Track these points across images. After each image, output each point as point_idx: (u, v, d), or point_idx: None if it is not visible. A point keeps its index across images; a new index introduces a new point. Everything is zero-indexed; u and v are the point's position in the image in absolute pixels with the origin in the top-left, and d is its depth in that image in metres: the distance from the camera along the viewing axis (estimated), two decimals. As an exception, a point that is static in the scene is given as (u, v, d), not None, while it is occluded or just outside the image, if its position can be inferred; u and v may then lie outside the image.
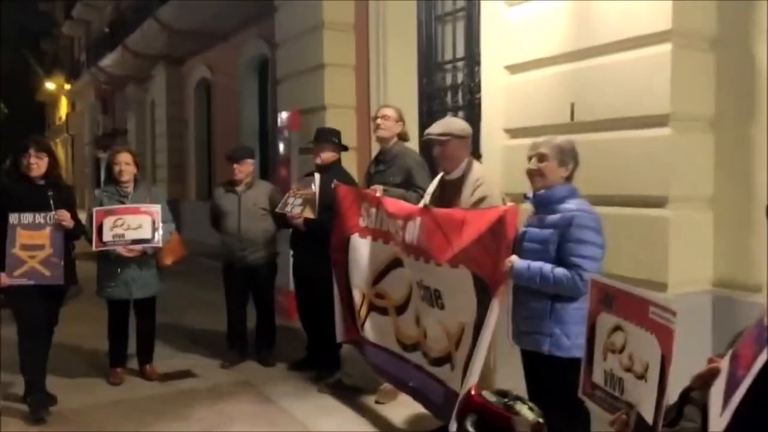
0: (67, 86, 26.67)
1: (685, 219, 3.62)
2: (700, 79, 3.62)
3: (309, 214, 4.80)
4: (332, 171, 5.00)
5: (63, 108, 29.99)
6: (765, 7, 3.41)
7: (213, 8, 10.28)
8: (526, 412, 1.70)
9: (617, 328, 1.68)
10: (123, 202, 4.87)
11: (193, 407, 4.52)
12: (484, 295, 3.16)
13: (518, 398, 1.73)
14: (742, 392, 0.95)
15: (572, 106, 4.05)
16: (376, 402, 4.52)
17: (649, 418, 1.51)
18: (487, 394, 1.73)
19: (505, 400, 1.72)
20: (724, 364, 1.12)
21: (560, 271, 2.76)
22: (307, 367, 5.17)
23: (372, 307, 4.24)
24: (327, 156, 5.05)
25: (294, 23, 7.11)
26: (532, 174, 2.95)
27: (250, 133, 11.48)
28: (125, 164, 4.89)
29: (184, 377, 5.15)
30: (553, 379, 2.80)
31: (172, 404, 4.58)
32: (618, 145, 3.76)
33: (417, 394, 3.77)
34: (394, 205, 3.88)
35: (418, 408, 4.25)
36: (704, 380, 1.15)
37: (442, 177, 3.82)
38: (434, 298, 3.52)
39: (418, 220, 3.60)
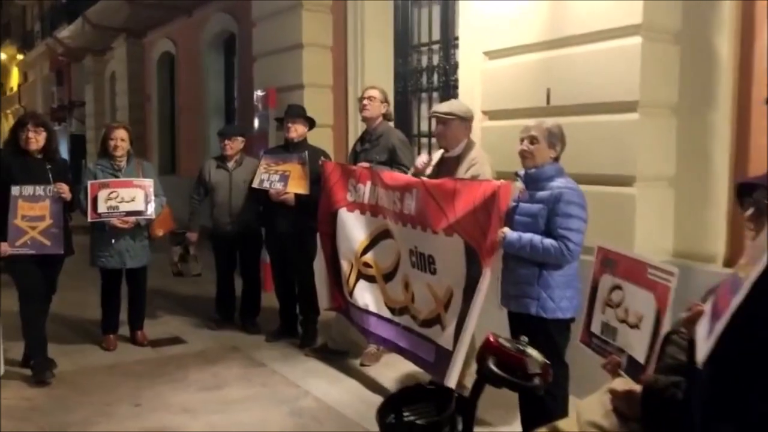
0: (19, 57, 25.94)
1: (649, 196, 4.01)
2: (665, 70, 3.99)
3: (300, 189, 5.04)
4: (304, 146, 5.26)
5: (14, 79, 29.19)
6: (724, 5, 3.79)
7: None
8: (536, 355, 2.02)
9: (616, 287, 2.02)
10: (116, 176, 5.04)
11: (187, 370, 4.76)
12: (473, 262, 3.49)
13: (528, 344, 2.05)
14: (722, 326, 1.25)
15: (548, 91, 4.38)
16: (361, 365, 4.85)
17: (640, 359, 1.86)
18: (502, 340, 2.05)
19: (517, 345, 2.04)
20: (707, 308, 1.44)
21: (549, 241, 3.10)
22: (283, 336, 5.46)
23: (360, 276, 4.53)
24: (302, 131, 5.31)
25: (272, 2, 7.25)
26: (524, 154, 3.27)
27: (216, 109, 11.52)
28: (120, 140, 5.07)
29: (173, 343, 5.38)
30: (539, 338, 3.15)
31: (166, 367, 4.82)
32: (590, 129, 4.10)
33: (408, 354, 4.08)
34: (392, 177, 4.17)
35: (400, 369, 4.61)
36: (691, 320, 1.46)
37: (443, 154, 4.12)
38: (427, 264, 3.84)
39: (415, 191, 3.91)
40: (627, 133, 3.98)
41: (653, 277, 1.84)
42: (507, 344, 2.03)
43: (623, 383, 1.92)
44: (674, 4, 3.96)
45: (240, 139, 5.71)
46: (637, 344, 1.89)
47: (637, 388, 1.78)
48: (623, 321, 1.97)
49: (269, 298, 5.95)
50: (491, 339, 2.03)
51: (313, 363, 4.93)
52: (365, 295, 4.48)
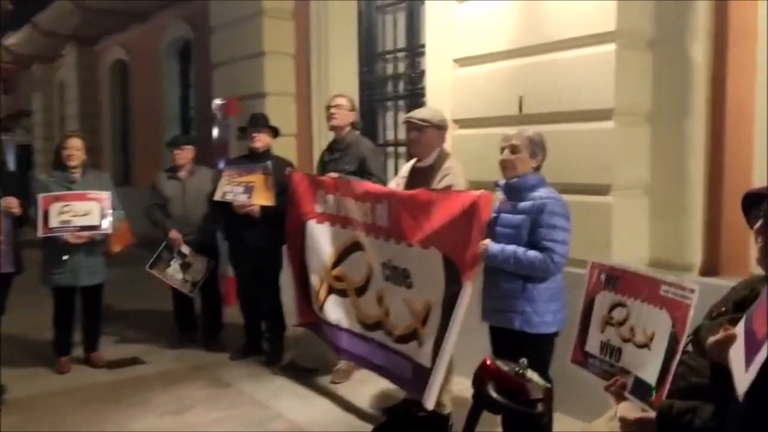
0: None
1: (625, 205, 3.96)
2: (640, 77, 3.95)
3: (265, 200, 4.85)
4: (268, 156, 5.09)
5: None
6: (698, 11, 3.77)
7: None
8: (537, 379, 1.90)
9: (618, 305, 1.91)
10: (70, 188, 4.77)
11: (150, 393, 4.51)
12: (452, 275, 3.36)
13: (526, 367, 1.93)
14: (764, 356, 1.14)
15: (521, 99, 4.31)
16: (332, 382, 4.67)
17: (651, 380, 1.75)
18: (500, 363, 1.92)
19: (516, 368, 1.92)
20: (739, 331, 1.33)
21: (533, 253, 3.00)
22: (249, 353, 5.25)
23: (331, 290, 4.37)
24: (267, 141, 5.15)
25: (231, 9, 7.05)
26: (505, 164, 3.17)
27: (172, 118, 11.24)
28: (75, 149, 4.80)
29: (132, 364, 5.11)
30: (523, 353, 3.03)
31: (126, 391, 4.56)
32: (565, 137, 4.02)
33: (383, 371, 3.93)
34: (362, 188, 4.02)
35: (373, 386, 4.46)
36: (722, 344, 1.35)
37: (414, 164, 4.00)
38: (402, 278, 3.70)
39: (387, 202, 3.77)
40: (602, 141, 3.92)
41: (669, 294, 1.73)
42: (505, 367, 1.90)
43: (630, 407, 1.81)
44: (648, 11, 3.93)
45: (190, 147, 5.52)
46: (646, 365, 1.78)
47: (649, 413, 1.67)
48: (628, 340, 1.87)
49: (231, 314, 5.75)
50: (489, 362, 1.90)
51: (282, 381, 4.73)
52: (336, 311, 4.32)
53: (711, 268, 3.90)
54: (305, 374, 4.80)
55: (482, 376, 1.89)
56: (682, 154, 3.90)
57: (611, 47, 3.84)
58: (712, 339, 1.36)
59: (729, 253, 3.83)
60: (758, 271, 1.95)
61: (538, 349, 3.06)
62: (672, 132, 3.93)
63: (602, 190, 3.95)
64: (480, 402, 1.89)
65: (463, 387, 4.22)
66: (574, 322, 3.28)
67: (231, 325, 5.64)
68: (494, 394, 1.81)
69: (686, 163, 3.88)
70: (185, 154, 5.47)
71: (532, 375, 1.90)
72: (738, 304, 1.82)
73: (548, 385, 1.89)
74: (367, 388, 4.53)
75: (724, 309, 1.86)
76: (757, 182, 3.55)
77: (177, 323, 5.64)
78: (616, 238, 3.92)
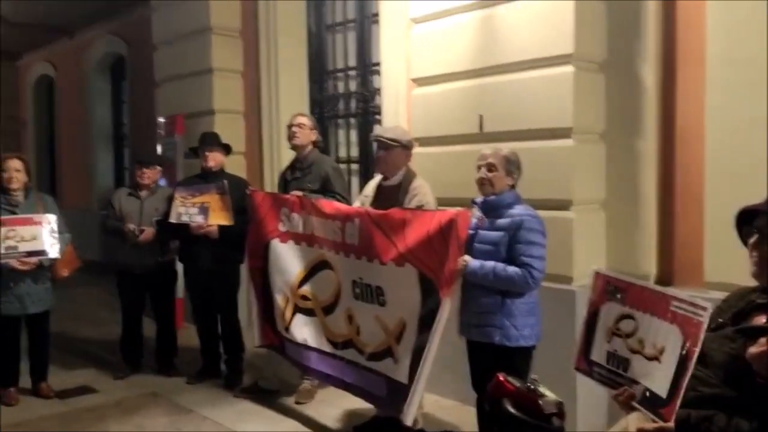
0: None
1: (584, 219, 4.11)
2: (594, 97, 4.13)
3: (223, 220, 4.77)
4: (223, 175, 5.03)
5: None
6: (647, 36, 3.98)
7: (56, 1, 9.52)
8: (549, 394, 1.95)
9: (626, 317, 1.98)
10: (14, 212, 4.55)
11: (106, 424, 4.33)
12: (428, 292, 3.40)
13: (536, 382, 1.98)
14: None
15: (481, 117, 4.42)
16: (296, 402, 4.62)
17: (662, 392, 1.82)
18: (513, 380, 1.96)
19: (528, 384, 1.97)
20: None
21: (512, 269, 3.08)
22: (206, 377, 5.14)
23: (297, 310, 4.33)
24: (220, 159, 5.09)
25: (176, 26, 6.92)
26: (482, 182, 3.25)
27: (103, 137, 10.94)
28: (15, 171, 4.59)
29: (82, 393, 4.89)
30: (502, 366, 3.09)
31: (79, 422, 4.36)
32: (526, 155, 4.11)
33: (354, 389, 3.92)
34: (332, 207, 4.02)
35: (338, 405, 4.45)
36: (763, 355, 1.42)
37: (380, 182, 4.03)
38: (375, 295, 3.71)
39: (357, 221, 3.78)
40: (562, 158, 4.07)
41: (679, 311, 1.80)
42: (519, 384, 1.95)
43: (641, 419, 1.88)
44: (600, 35, 4.12)
45: (159, 168, 5.42)
46: (656, 376, 1.85)
47: (666, 424, 1.74)
48: (637, 352, 1.93)
49: (182, 337, 5.58)
50: (503, 379, 1.94)
51: (244, 405, 4.63)
52: (303, 330, 4.28)
53: (665, 278, 4.09)
54: (267, 396, 4.72)
55: (497, 392, 1.93)
56: (635, 171, 4.09)
57: (569, 69, 4.00)
58: (754, 351, 1.43)
59: (682, 264, 4.04)
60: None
61: (516, 362, 3.12)
62: (625, 149, 4.12)
63: (563, 205, 4.09)
64: (495, 419, 1.93)
65: (429, 401, 4.27)
66: (552, 335, 3.40)
67: (183, 349, 5.48)
68: (513, 410, 1.85)
69: (639, 178, 4.08)
70: (152, 174, 5.34)
71: (544, 390, 1.95)
72: (736, 316, 1.93)
73: (560, 400, 1.94)
74: (331, 407, 4.50)
75: (721, 321, 1.96)
76: (708, 196, 3.78)
77: (123, 353, 5.38)
78: (576, 251, 4.07)
